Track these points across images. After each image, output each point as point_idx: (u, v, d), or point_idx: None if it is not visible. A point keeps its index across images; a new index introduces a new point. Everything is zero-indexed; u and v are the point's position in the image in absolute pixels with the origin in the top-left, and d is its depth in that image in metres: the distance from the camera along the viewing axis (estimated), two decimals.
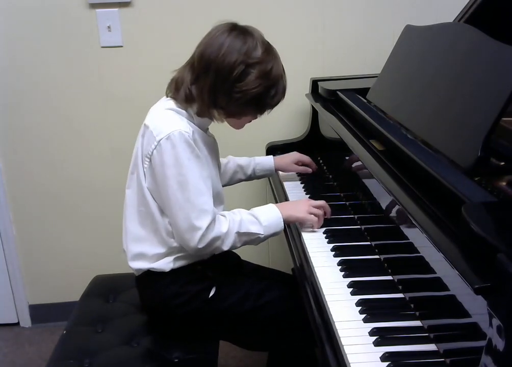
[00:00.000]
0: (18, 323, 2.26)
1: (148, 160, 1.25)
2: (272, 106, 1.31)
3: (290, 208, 1.37)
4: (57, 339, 1.40)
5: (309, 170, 1.69)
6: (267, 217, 1.31)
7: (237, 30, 1.24)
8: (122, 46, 1.94)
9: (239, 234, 1.28)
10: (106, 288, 1.57)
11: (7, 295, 2.20)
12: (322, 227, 1.39)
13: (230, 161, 1.63)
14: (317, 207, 1.38)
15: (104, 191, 2.08)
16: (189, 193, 1.21)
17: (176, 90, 1.29)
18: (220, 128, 2.04)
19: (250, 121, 1.36)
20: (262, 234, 1.30)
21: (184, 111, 1.29)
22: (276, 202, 1.64)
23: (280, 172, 1.74)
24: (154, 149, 1.23)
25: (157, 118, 1.28)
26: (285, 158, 1.71)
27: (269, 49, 1.27)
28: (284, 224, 1.33)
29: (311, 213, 1.36)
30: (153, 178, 1.26)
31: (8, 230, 2.13)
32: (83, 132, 2.05)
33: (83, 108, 2.02)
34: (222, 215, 1.28)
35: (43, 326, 2.24)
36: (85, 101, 2.01)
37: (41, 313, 2.24)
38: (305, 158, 1.71)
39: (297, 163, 1.69)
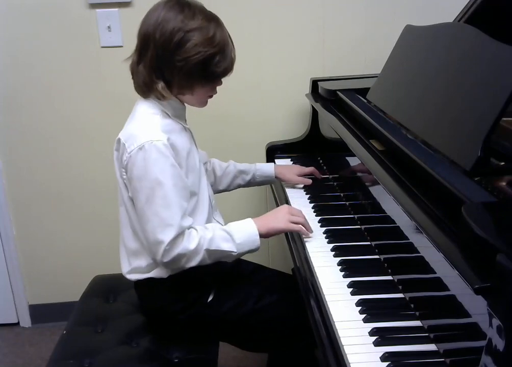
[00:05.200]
0: (18, 323, 2.26)
1: (125, 172, 1.23)
2: (220, 75, 1.25)
3: (270, 221, 1.31)
4: (57, 339, 1.40)
5: (309, 182, 1.64)
6: (242, 234, 1.25)
7: (172, 2, 1.22)
8: (122, 46, 1.94)
9: (208, 251, 1.22)
10: (106, 288, 1.57)
11: (7, 295, 2.21)
12: (322, 226, 1.39)
13: (231, 165, 1.61)
14: (297, 214, 1.34)
15: (104, 191, 2.08)
16: (156, 206, 1.17)
17: (134, 81, 1.27)
18: (220, 128, 2.05)
19: (210, 96, 1.32)
20: (235, 252, 1.24)
21: (157, 109, 1.26)
22: (276, 200, 1.65)
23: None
24: (126, 160, 1.21)
25: (128, 129, 1.25)
26: (287, 167, 1.71)
27: (210, 17, 1.23)
28: (261, 240, 1.27)
29: (292, 221, 1.31)
30: (130, 189, 1.24)
31: (8, 230, 2.13)
32: (83, 132, 2.05)
33: (83, 108, 2.02)
34: (194, 229, 1.23)
35: (43, 326, 2.24)
36: (86, 101, 2.01)
37: (41, 313, 2.24)
38: (307, 169, 1.68)
39: (298, 174, 1.66)
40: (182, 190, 1.22)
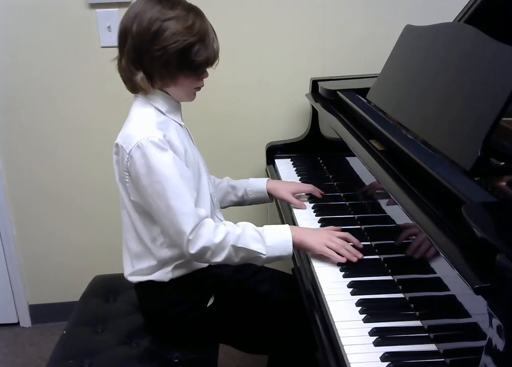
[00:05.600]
0: (18, 323, 2.26)
1: (128, 175, 1.23)
2: (201, 65, 1.23)
3: (306, 234, 1.25)
4: (57, 339, 1.40)
5: (304, 207, 1.50)
6: (274, 238, 1.21)
7: None
8: None
9: (235, 248, 1.19)
10: (106, 288, 1.57)
11: (7, 295, 2.20)
12: (322, 226, 1.39)
13: (224, 181, 1.56)
14: (341, 238, 1.24)
15: (104, 191, 2.08)
16: (168, 199, 1.17)
17: (122, 80, 1.26)
18: (220, 128, 2.05)
19: (198, 89, 1.29)
20: (264, 254, 1.21)
21: (149, 107, 1.25)
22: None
23: (280, 171, 1.73)
24: (127, 162, 1.20)
25: (124, 131, 1.25)
26: (282, 183, 1.61)
27: (189, 8, 1.22)
28: (294, 249, 1.23)
29: (329, 246, 1.22)
30: (136, 191, 1.24)
31: (8, 230, 2.13)
32: (83, 132, 2.05)
33: (83, 108, 2.02)
34: (224, 224, 1.23)
35: (43, 326, 2.24)
36: (86, 101, 2.01)
37: (41, 313, 2.24)
38: (305, 189, 1.56)
39: (294, 193, 1.53)
40: (189, 180, 1.22)
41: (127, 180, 1.24)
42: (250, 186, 1.54)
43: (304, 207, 1.49)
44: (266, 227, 1.25)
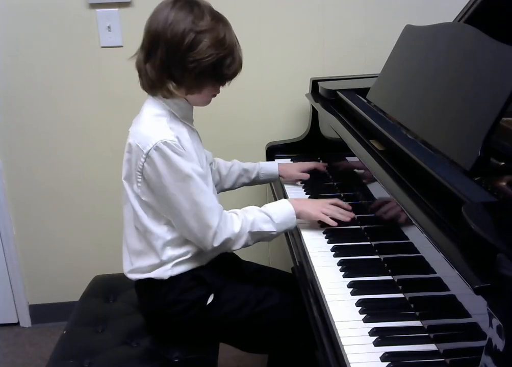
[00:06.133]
0: (18, 323, 2.26)
1: (140, 174, 1.23)
2: (230, 76, 1.26)
3: (305, 204, 1.38)
4: (57, 339, 1.40)
5: (307, 176, 1.69)
6: (280, 215, 1.31)
7: (181, 2, 1.21)
8: (122, 46, 1.95)
9: (251, 233, 1.28)
10: (106, 288, 1.57)
11: (7, 295, 2.20)
12: (322, 226, 1.39)
13: (235, 164, 1.62)
14: (333, 204, 1.39)
15: (104, 191, 2.09)
16: (192, 195, 1.21)
17: (140, 79, 1.27)
18: (220, 128, 2.05)
19: (214, 95, 1.32)
20: (275, 231, 1.31)
21: (164, 110, 1.26)
22: (275, 199, 1.64)
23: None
24: (144, 162, 1.21)
25: (138, 131, 1.25)
26: (288, 164, 1.75)
27: (218, 18, 1.23)
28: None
29: (324, 213, 1.36)
30: (150, 191, 1.24)
31: (8, 230, 2.13)
32: (83, 132, 2.05)
33: (83, 108, 2.02)
34: (235, 213, 1.29)
35: (43, 326, 2.24)
36: (86, 101, 2.01)
37: (41, 313, 2.24)
38: (309, 164, 1.72)
39: (300, 170, 1.70)
40: (205, 178, 1.26)
41: (139, 179, 1.24)
42: (263, 169, 1.66)
43: (307, 177, 1.69)
44: (268, 206, 1.34)
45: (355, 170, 1.46)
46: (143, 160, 1.21)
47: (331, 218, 1.36)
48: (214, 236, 1.23)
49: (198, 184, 1.21)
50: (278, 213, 1.31)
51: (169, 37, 1.19)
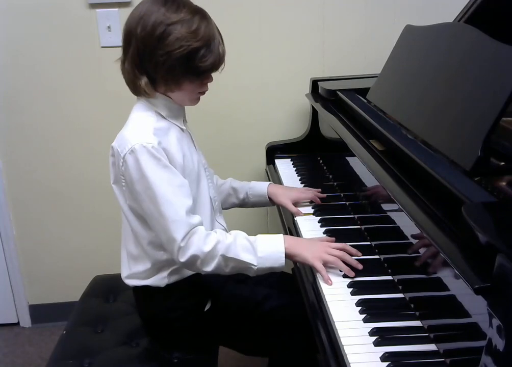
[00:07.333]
0: (18, 323, 2.26)
1: (123, 178, 1.22)
2: (207, 70, 1.20)
3: (302, 245, 1.22)
4: (57, 339, 1.41)
5: (301, 213, 1.46)
6: (266, 248, 1.19)
7: None
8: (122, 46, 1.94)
9: (225, 258, 1.17)
10: (106, 288, 1.57)
11: (7, 295, 2.20)
12: (322, 226, 1.39)
13: (226, 183, 1.54)
14: (338, 249, 1.20)
15: (104, 191, 2.08)
16: (159, 206, 1.16)
17: (125, 81, 1.24)
18: (220, 128, 2.05)
19: (202, 93, 1.27)
20: (255, 265, 1.18)
21: (150, 111, 1.24)
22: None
23: (280, 170, 1.72)
24: (122, 166, 1.20)
25: (121, 134, 1.24)
26: (284, 188, 1.58)
27: (194, 10, 1.19)
28: (286, 260, 1.20)
29: (325, 260, 1.18)
30: (131, 195, 1.23)
31: (8, 230, 2.13)
32: (83, 132, 2.05)
33: (83, 108, 2.02)
34: (215, 232, 1.20)
35: (43, 326, 2.24)
36: (86, 101, 2.01)
37: (41, 313, 2.24)
38: (306, 196, 1.53)
39: (293, 200, 1.50)
40: (181, 188, 1.19)
41: (123, 183, 1.24)
42: (252, 190, 1.53)
43: (301, 214, 1.46)
44: (259, 237, 1.22)
45: (355, 170, 1.46)
46: (121, 164, 1.20)
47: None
48: (179, 250, 1.16)
49: (165, 195, 1.16)
50: (264, 246, 1.19)
51: (140, 31, 1.16)
